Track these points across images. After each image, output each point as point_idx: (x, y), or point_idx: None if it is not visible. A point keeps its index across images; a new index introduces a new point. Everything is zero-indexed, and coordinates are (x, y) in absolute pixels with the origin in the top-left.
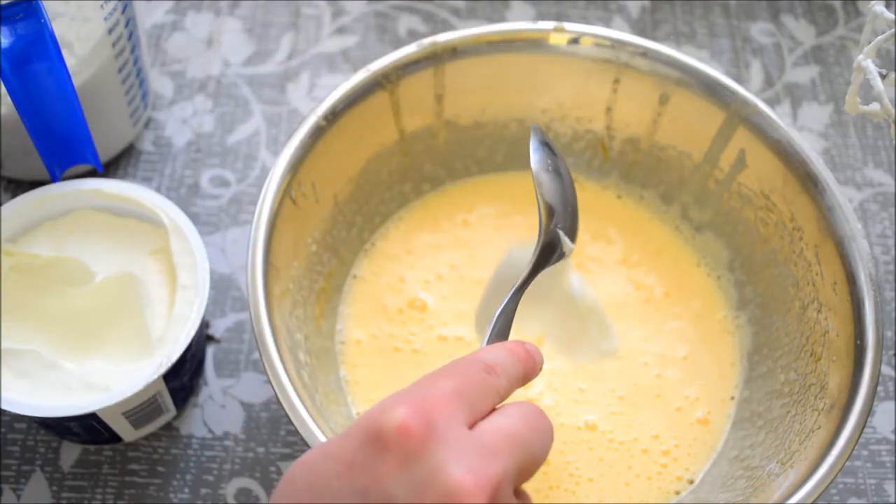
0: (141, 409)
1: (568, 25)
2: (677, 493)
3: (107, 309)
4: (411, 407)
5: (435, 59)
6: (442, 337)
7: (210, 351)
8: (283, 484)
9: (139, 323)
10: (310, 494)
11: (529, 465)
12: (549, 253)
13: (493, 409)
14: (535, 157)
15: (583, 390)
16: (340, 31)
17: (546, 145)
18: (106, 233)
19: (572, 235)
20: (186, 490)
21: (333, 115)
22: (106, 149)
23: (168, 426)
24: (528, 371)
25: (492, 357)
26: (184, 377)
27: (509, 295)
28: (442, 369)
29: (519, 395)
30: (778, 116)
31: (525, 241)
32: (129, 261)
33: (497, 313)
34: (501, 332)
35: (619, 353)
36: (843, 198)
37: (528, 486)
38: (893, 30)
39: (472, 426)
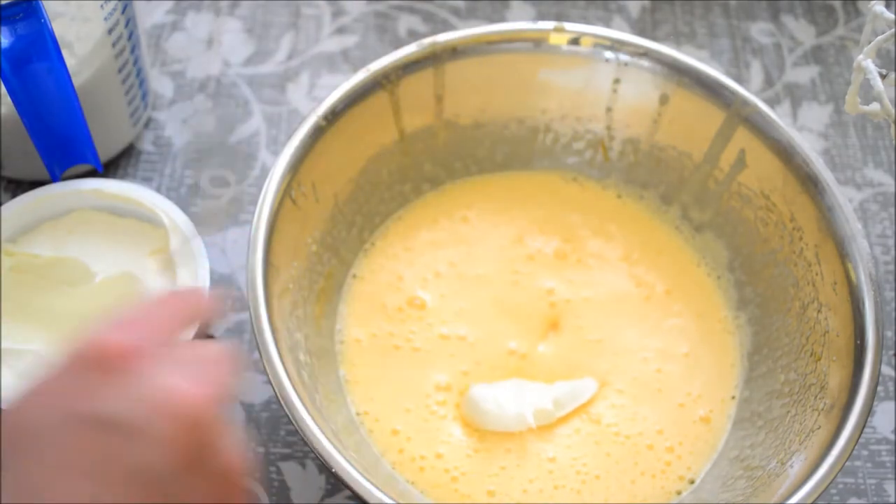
0: None
1: (568, 25)
2: (678, 493)
3: (107, 309)
4: (123, 328)
5: (435, 59)
6: (443, 335)
7: None
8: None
9: None
10: (26, 442)
11: (226, 395)
12: None
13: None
14: None
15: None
16: (340, 31)
17: None
18: (106, 233)
19: None
20: None
21: (333, 115)
22: (106, 149)
23: None
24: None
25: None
26: None
27: None
28: (146, 305)
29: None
30: (778, 116)
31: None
32: (130, 261)
33: None
34: None
35: (614, 349)
36: (843, 198)
37: (533, 486)
38: (893, 30)
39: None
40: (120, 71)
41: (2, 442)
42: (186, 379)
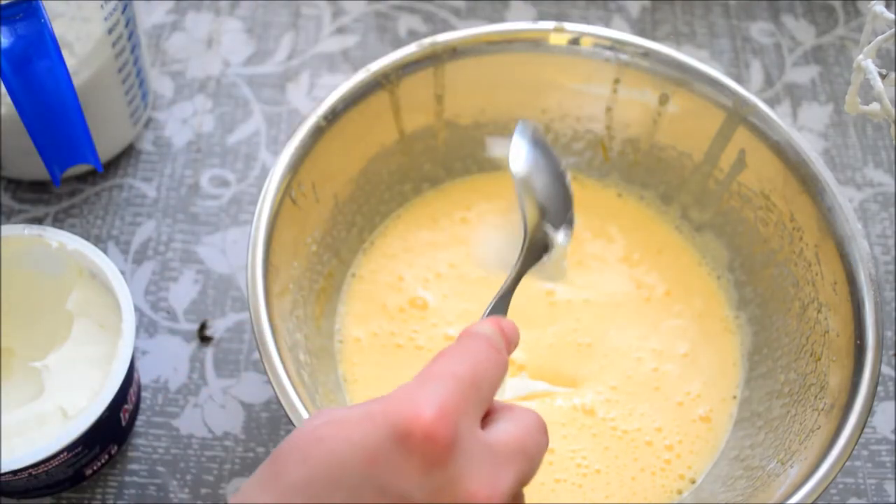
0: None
1: (568, 25)
2: (679, 492)
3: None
4: (439, 410)
5: (435, 59)
6: (449, 336)
7: (210, 351)
8: (293, 458)
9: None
10: (325, 477)
11: (528, 476)
12: (537, 252)
13: (504, 408)
14: (523, 155)
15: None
16: (340, 31)
17: (537, 143)
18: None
19: (569, 227)
20: (186, 490)
21: (333, 115)
22: (106, 149)
23: (168, 426)
24: (512, 346)
25: (488, 331)
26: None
27: (494, 302)
28: (454, 353)
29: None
30: (778, 116)
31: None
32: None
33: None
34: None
35: (605, 350)
36: (843, 198)
37: (535, 480)
38: (893, 30)
39: (484, 419)
40: (120, 71)
41: (299, 463)
42: (484, 484)
